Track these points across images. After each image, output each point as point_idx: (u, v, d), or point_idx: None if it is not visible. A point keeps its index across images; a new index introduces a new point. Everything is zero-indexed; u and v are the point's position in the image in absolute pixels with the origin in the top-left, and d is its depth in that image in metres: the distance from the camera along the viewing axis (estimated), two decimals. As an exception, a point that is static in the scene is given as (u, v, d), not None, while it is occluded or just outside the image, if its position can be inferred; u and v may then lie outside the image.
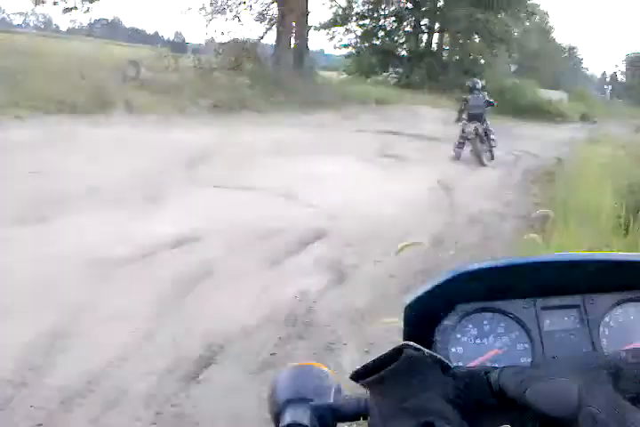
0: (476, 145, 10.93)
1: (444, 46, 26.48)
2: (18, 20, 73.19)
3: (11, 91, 9.99)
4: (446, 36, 26.20)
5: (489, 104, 11.57)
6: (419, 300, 0.68)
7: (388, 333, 3.56)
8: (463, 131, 11.03)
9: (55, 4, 17.23)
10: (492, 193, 8.06)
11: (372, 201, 7.01)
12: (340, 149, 10.73)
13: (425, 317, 0.70)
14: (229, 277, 4.35)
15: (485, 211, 6.93)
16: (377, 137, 13.17)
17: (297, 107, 15.08)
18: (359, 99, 17.34)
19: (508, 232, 6.14)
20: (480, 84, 12.00)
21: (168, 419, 2.63)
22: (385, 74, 25.81)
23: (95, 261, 4.32)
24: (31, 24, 72.52)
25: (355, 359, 3.18)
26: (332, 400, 0.64)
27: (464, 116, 11.32)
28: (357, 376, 0.60)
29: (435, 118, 16.70)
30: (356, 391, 0.66)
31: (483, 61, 26.14)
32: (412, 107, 17.51)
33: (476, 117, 11.10)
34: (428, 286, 0.68)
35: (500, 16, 24.09)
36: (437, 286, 0.68)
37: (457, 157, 11.09)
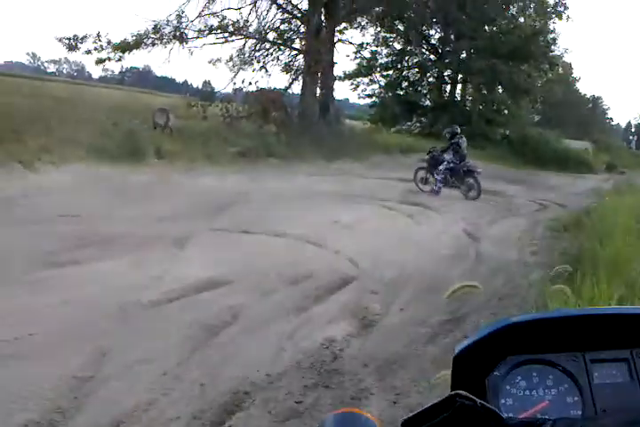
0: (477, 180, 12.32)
1: (467, 96, 26.86)
2: (52, 68, 76.18)
3: (45, 136, 10.31)
4: (469, 86, 26.61)
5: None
6: (468, 350, 0.69)
7: (413, 383, 3.52)
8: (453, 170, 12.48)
9: (88, 52, 17.86)
10: (519, 242, 7.99)
11: (397, 247, 7.02)
12: (365, 197, 10.82)
13: (474, 367, 0.70)
14: (256, 322, 4.35)
15: (512, 260, 6.87)
16: (401, 185, 13.25)
17: (322, 155, 15.29)
18: (383, 147, 17.53)
19: (535, 283, 6.06)
20: (458, 129, 13.47)
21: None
22: (409, 123, 26.13)
23: (124, 305, 4.36)
24: (64, 72, 75.43)
25: (383, 409, 3.13)
26: None
27: (453, 157, 12.60)
28: (407, 424, 0.60)
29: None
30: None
31: (506, 111, 26.38)
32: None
33: (465, 157, 12.74)
34: (477, 337, 0.68)
35: (522, 68, 24.44)
36: (487, 337, 0.69)
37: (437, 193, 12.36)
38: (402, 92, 25.78)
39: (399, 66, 25.61)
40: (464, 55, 25.21)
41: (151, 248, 6.01)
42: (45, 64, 77.54)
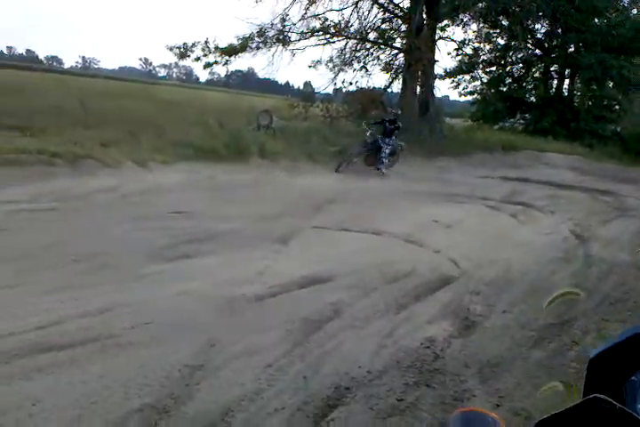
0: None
1: (575, 92, 25.62)
2: (162, 72, 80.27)
3: (157, 137, 10.88)
4: (577, 81, 25.36)
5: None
6: (604, 354, 0.68)
7: (519, 387, 3.44)
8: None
9: (197, 59, 18.67)
10: (631, 244, 7.56)
11: (500, 247, 6.85)
12: (466, 196, 10.62)
13: (610, 372, 0.69)
14: (356, 319, 4.40)
15: (624, 263, 6.51)
16: (504, 184, 12.89)
17: (422, 153, 15.13)
18: (485, 145, 17.08)
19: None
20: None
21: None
22: (512, 120, 25.29)
23: (230, 298, 4.54)
24: (174, 75, 79.26)
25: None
26: None
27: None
28: (542, 426, 0.60)
29: (566, 166, 16.09)
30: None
31: (617, 107, 24.93)
32: (540, 153, 16.98)
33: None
34: (614, 341, 0.67)
35: (634, 61, 23.01)
36: (625, 342, 0.67)
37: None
38: (505, 89, 24.96)
39: (503, 62, 24.80)
40: (572, 49, 24.07)
41: (255, 244, 6.22)
42: (157, 68, 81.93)
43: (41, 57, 75.68)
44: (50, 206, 6.92)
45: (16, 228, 5.90)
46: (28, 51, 77.39)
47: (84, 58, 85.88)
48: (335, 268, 5.54)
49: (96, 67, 79.76)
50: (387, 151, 12.98)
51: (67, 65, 75.70)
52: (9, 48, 77.07)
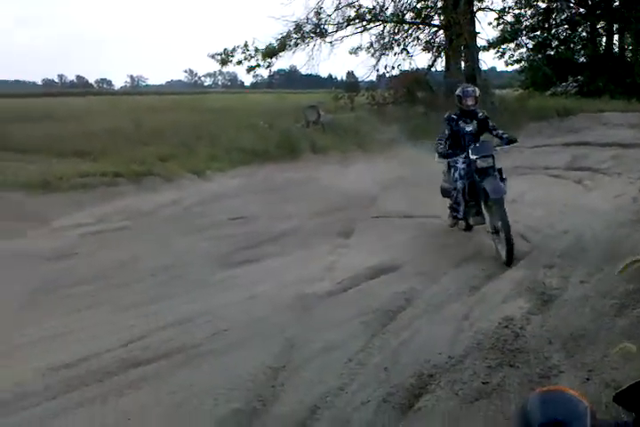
0: None
1: (626, 47, 24.46)
2: (208, 81, 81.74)
3: (210, 145, 11.09)
4: (627, 36, 24.20)
5: None
6: None
7: (606, 358, 3.33)
8: None
9: (239, 63, 18.88)
10: None
11: (568, 216, 6.65)
12: (526, 167, 10.33)
13: None
14: (429, 305, 4.37)
15: None
16: (564, 150, 12.45)
17: (474, 129, 14.81)
18: (539, 113, 16.56)
19: None
20: None
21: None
22: (564, 84, 24.39)
23: (301, 297, 4.60)
24: (219, 83, 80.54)
25: (575, 386, 3.00)
26: (588, 425, 0.64)
27: None
28: (620, 397, 0.59)
29: (626, 124, 15.39)
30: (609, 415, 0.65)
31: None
32: (597, 115, 16.32)
33: None
34: None
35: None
36: None
37: None
38: (552, 52, 24.09)
39: (546, 25, 23.93)
40: (617, 4, 22.99)
41: (318, 241, 6.26)
42: (202, 78, 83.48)
43: (91, 81, 78.28)
44: (118, 226, 7.16)
45: (89, 250, 6.14)
46: (78, 77, 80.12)
47: (132, 77, 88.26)
48: (401, 256, 5.52)
49: (144, 84, 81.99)
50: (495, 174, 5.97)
51: (116, 86, 78.08)
52: (60, 76, 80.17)
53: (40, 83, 72.16)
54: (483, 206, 5.72)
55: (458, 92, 6.04)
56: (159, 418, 2.95)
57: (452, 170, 6.00)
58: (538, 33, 24.20)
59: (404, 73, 18.37)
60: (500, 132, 5.96)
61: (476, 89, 6.13)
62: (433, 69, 19.11)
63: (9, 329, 4.10)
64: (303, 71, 20.05)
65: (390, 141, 13.10)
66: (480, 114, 6.03)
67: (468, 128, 5.98)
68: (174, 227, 7.12)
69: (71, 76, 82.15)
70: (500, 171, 5.79)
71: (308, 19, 17.93)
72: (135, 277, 5.25)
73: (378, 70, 18.73)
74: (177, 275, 5.28)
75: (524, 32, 23.95)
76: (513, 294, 4.53)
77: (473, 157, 5.64)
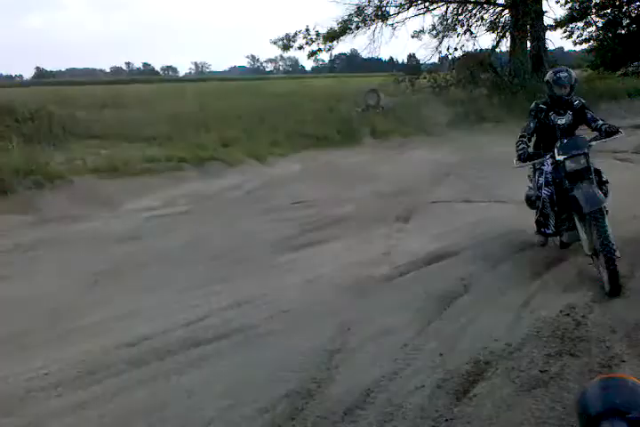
0: None
1: None
2: (270, 67, 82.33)
3: (272, 131, 11.21)
4: None
5: None
6: None
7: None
8: None
9: (300, 48, 18.94)
10: None
11: (637, 203, 6.40)
12: (594, 150, 9.94)
13: None
14: (488, 291, 4.33)
15: None
16: (634, 133, 11.92)
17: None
18: (609, 94, 15.92)
19: None
20: None
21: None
22: (635, 64, 23.25)
23: (359, 281, 4.64)
24: (281, 68, 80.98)
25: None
26: None
27: None
28: None
29: None
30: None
31: None
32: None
33: None
34: None
35: None
36: None
37: None
38: (624, 31, 22.97)
39: (617, 2, 22.81)
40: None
41: (377, 225, 6.27)
42: (264, 64, 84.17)
43: (157, 68, 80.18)
44: (183, 209, 7.38)
45: (155, 232, 6.36)
46: (144, 64, 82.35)
47: (196, 64, 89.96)
48: (460, 241, 5.46)
49: (208, 70, 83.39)
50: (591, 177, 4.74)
51: (181, 73, 79.72)
52: (127, 64, 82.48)
53: (108, 70, 74.50)
54: (576, 220, 4.53)
55: (548, 77, 4.93)
56: (217, 397, 3.05)
57: (537, 174, 4.91)
58: (608, 11, 23.03)
59: (467, 54, 17.95)
60: (600, 123, 4.82)
61: (572, 73, 4.93)
62: (497, 50, 18.60)
63: (79, 308, 4.32)
64: (364, 55, 19.94)
65: (452, 124, 12.89)
66: (576, 102, 4.91)
67: (561, 120, 4.89)
68: (237, 211, 7.28)
69: (138, 64, 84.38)
70: (598, 172, 4.76)
71: (369, 1, 17.75)
72: (199, 259, 5.40)
73: (440, 52, 18.41)
74: (239, 257, 5.41)
75: (594, 10, 22.85)
76: (575, 280, 4.43)
77: (560, 157, 4.54)
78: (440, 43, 18.41)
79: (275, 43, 19.15)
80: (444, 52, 18.35)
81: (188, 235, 6.21)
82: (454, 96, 15.97)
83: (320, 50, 18.81)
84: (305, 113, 12.61)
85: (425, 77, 17.47)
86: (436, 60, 18.91)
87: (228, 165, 9.40)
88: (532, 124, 4.93)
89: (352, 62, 48.86)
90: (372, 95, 14.12)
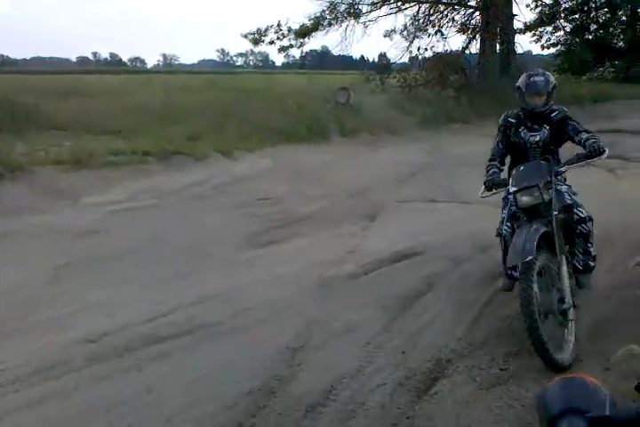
0: None
1: (668, 33, 23.68)
2: (240, 61, 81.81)
3: (240, 126, 11.11)
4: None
5: None
6: None
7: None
8: None
9: (272, 43, 18.86)
10: None
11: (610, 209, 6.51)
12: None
13: None
14: (451, 290, 4.38)
15: None
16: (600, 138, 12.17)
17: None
18: (573, 99, 16.21)
19: None
20: None
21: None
22: (601, 69, 23.80)
23: (324, 279, 4.64)
24: (251, 63, 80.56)
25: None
26: (607, 413, 0.65)
27: None
28: None
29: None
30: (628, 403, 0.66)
31: None
32: (636, 101, 15.91)
33: None
34: None
35: None
36: None
37: None
38: (591, 36, 23.49)
39: (586, 8, 23.29)
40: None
41: (343, 223, 6.28)
42: (234, 58, 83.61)
43: (124, 59, 78.89)
44: (147, 204, 7.26)
45: (118, 227, 6.25)
46: (111, 54, 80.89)
47: (164, 55, 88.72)
48: (424, 241, 5.51)
49: (177, 63, 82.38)
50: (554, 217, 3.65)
51: (149, 64, 78.61)
52: (94, 54, 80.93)
53: (74, 60, 72.99)
54: None
55: (520, 82, 4.02)
56: (178, 393, 3.02)
57: (504, 204, 4.10)
58: (576, 16, 23.55)
59: (437, 55, 18.10)
60: (585, 136, 3.93)
61: (550, 78, 4.02)
62: (467, 52, 18.79)
63: (37, 302, 4.23)
64: (335, 52, 19.95)
65: (420, 124, 12.99)
66: (555, 113, 4.01)
67: (534, 137, 4.04)
68: (202, 206, 7.21)
69: (105, 54, 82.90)
70: (569, 208, 3.84)
71: (342, -2, 17.75)
72: (162, 254, 5.34)
73: (411, 52, 18.50)
74: (203, 253, 5.36)
75: (563, 15, 23.33)
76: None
77: (512, 188, 3.67)
78: (411, 43, 18.52)
79: (245, 37, 19.02)
80: (415, 52, 18.47)
81: (152, 230, 6.12)
82: (423, 96, 16.07)
83: (291, 45, 18.76)
84: (274, 109, 12.53)
85: (395, 77, 17.53)
86: (406, 59, 19.03)
87: (195, 160, 9.28)
88: (500, 145, 4.16)
89: (323, 59, 48.87)
90: (341, 93, 14.11)
